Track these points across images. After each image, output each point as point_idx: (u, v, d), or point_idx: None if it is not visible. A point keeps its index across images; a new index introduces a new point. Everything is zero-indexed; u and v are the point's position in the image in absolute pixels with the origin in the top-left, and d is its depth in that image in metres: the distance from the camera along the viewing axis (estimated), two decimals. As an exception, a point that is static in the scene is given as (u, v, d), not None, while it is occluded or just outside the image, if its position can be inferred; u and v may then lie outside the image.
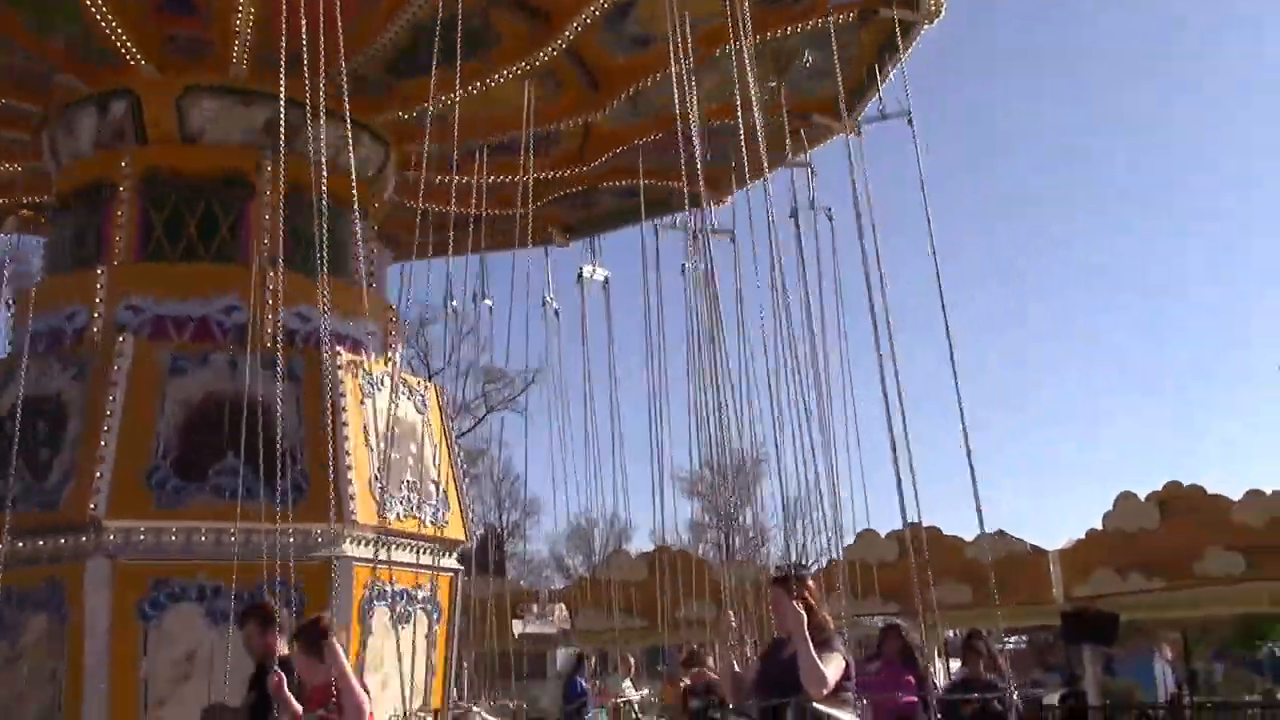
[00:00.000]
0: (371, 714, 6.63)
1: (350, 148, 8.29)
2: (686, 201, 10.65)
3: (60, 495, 8.92)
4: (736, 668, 6.88)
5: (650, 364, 10.88)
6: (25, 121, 11.30)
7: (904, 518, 8.65)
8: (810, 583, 6.61)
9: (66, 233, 10.86)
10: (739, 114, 9.13)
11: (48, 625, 8.72)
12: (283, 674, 6.75)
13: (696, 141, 8.89)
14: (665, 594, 16.40)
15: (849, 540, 19.13)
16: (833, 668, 6.09)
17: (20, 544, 8.81)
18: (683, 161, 8.83)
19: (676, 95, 9.03)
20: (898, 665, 9.98)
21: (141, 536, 8.87)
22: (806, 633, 6.02)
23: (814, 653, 5.98)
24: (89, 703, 8.58)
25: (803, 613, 6.12)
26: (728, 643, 7.16)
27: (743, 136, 8.99)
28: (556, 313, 13.37)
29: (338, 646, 6.48)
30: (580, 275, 12.58)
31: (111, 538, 8.83)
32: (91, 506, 8.79)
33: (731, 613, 7.73)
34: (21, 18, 9.94)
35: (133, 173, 10.40)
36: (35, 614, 8.74)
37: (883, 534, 17.84)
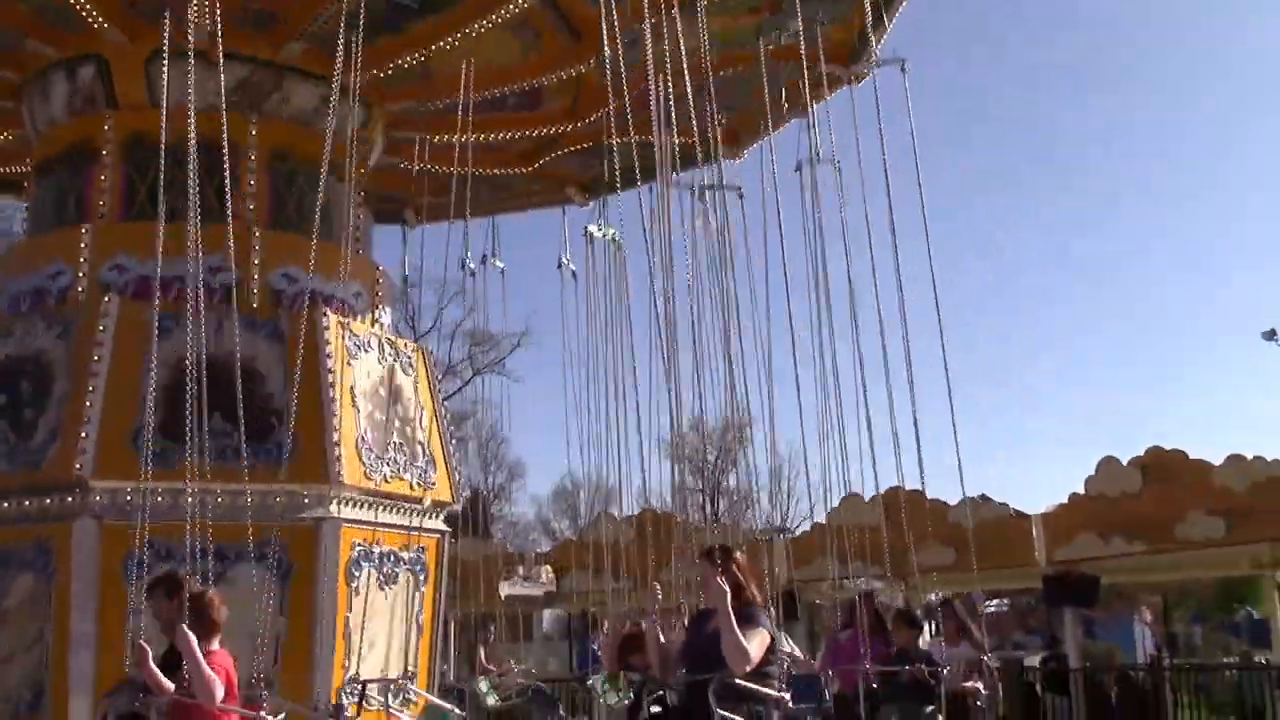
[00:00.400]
0: (233, 681, 6.81)
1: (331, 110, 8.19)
2: (668, 163, 10.50)
3: (45, 455, 8.90)
4: (662, 639, 6.84)
5: (655, 319, 10.79)
6: (7, 88, 11.18)
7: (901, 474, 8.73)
8: (739, 556, 6.57)
9: (48, 195, 10.77)
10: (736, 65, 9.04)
11: (34, 586, 8.72)
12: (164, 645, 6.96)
13: (711, 94, 8.79)
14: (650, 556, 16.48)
15: (834, 504, 19.24)
16: (756, 643, 6.04)
17: (5, 504, 8.80)
18: (689, 117, 8.77)
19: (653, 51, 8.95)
20: (868, 632, 10.00)
21: (128, 497, 8.85)
22: (729, 607, 5.97)
23: (737, 628, 5.94)
24: (76, 663, 8.59)
25: (726, 588, 6.06)
26: (652, 616, 7.08)
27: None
28: (574, 274, 13.25)
29: (189, 635, 6.68)
30: (587, 232, 12.43)
31: (98, 498, 8.82)
32: (77, 467, 8.77)
33: (658, 584, 7.74)
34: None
35: (112, 138, 10.30)
36: (21, 575, 8.74)
37: (867, 498, 17.93)
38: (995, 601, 43.69)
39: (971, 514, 18.93)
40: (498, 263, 12.16)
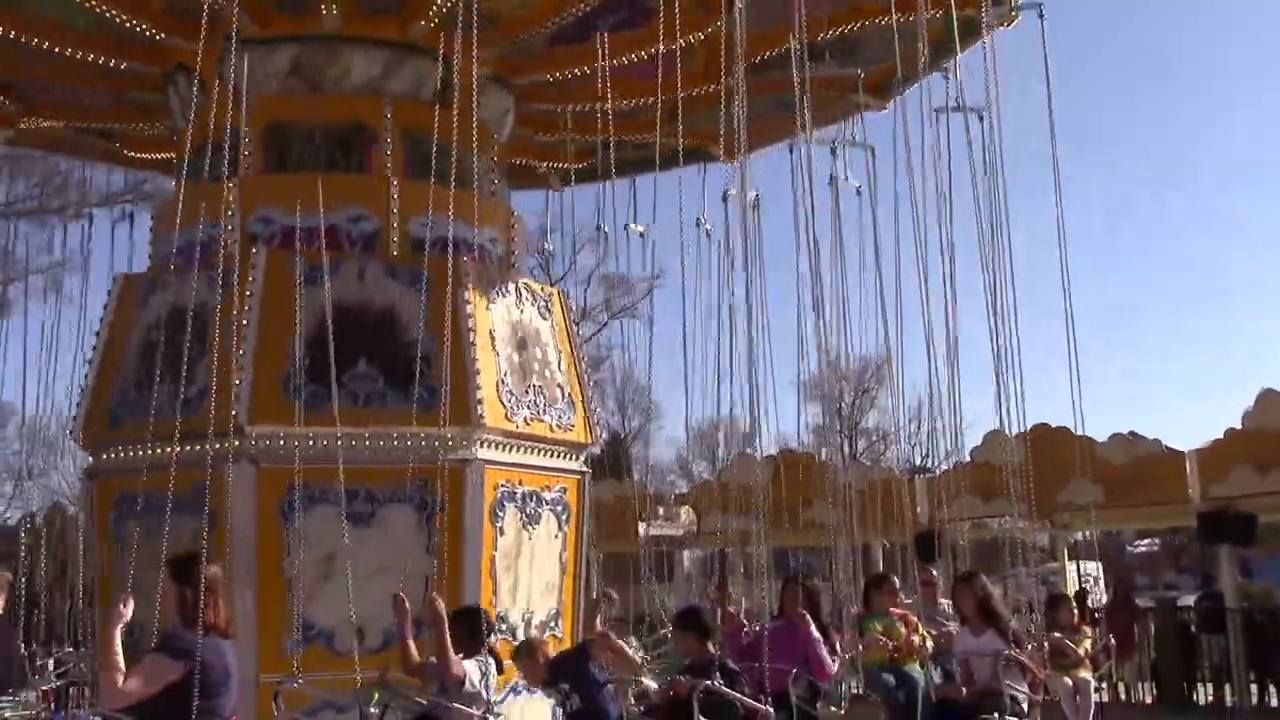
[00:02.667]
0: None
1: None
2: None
3: (203, 403, 9.23)
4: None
5: (797, 263, 10.66)
6: (150, 81, 11.49)
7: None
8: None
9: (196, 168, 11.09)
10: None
11: (196, 527, 9.06)
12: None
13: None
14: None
15: (977, 442, 18.90)
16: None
17: (166, 450, 9.16)
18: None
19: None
20: (795, 620, 8.89)
21: (281, 442, 9.15)
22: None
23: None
24: (239, 603, 8.94)
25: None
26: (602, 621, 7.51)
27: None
28: (708, 232, 13.15)
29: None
30: (725, 196, 12.32)
31: (253, 444, 9.14)
32: (233, 414, 9.09)
33: (612, 592, 7.81)
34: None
35: (256, 123, 10.52)
36: (183, 518, 9.10)
37: (1012, 435, 17.56)
38: (1146, 541, 42.64)
39: (1122, 451, 18.47)
40: (637, 229, 12.14)
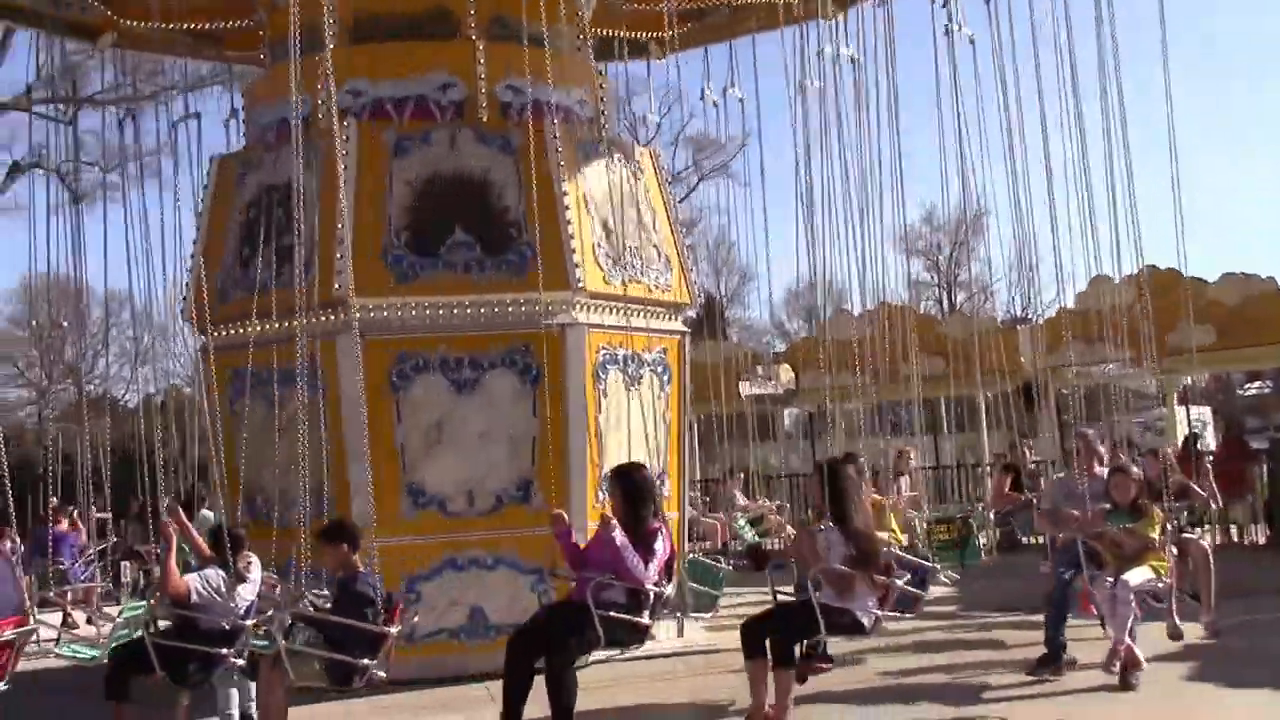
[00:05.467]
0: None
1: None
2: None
3: (306, 277, 9.33)
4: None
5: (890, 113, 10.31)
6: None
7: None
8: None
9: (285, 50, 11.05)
10: None
11: (309, 398, 9.28)
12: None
13: None
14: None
15: (1080, 286, 18.47)
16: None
17: (277, 325, 9.36)
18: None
19: None
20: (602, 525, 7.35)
21: (384, 313, 9.28)
22: None
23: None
24: (352, 470, 9.19)
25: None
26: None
27: None
28: (742, 100, 12.82)
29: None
30: (820, 52, 11.89)
31: (357, 315, 9.25)
32: (336, 287, 9.21)
33: (563, 512, 7.52)
34: None
35: (339, 17, 10.39)
36: (296, 388, 9.32)
37: (1116, 279, 17.14)
38: (1257, 383, 41.71)
39: (1234, 291, 17.96)
40: (737, 93, 11.83)
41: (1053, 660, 8.37)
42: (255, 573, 7.60)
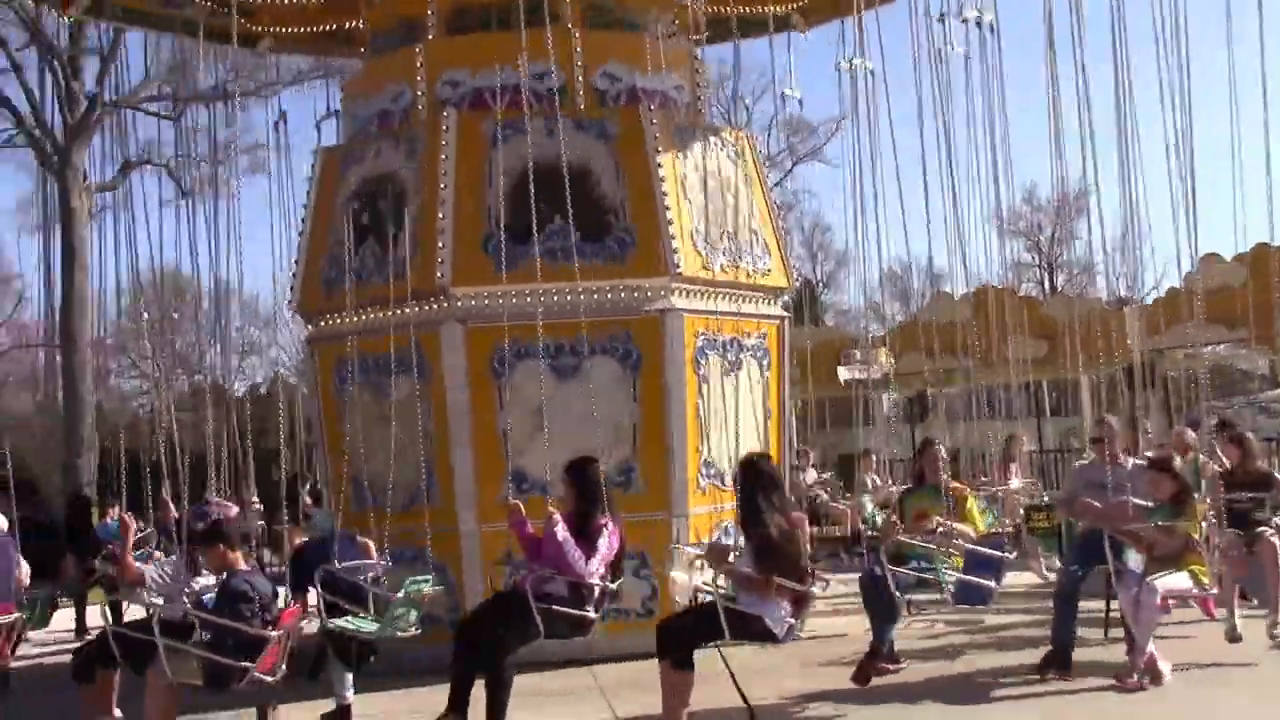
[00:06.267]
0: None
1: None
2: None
3: (409, 267, 9.51)
4: None
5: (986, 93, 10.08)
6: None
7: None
8: None
9: (383, 22, 11.21)
10: None
11: (413, 385, 9.45)
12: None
13: None
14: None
15: (1189, 266, 17.98)
16: None
17: (380, 314, 9.53)
18: None
19: None
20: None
21: (485, 301, 9.39)
22: None
23: None
24: (456, 456, 9.34)
25: None
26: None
27: None
28: (871, 71, 12.58)
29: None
30: (942, 17, 11.59)
31: (459, 303, 9.40)
32: (438, 276, 9.35)
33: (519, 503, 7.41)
34: None
35: (438, 8, 10.51)
36: (402, 376, 9.49)
37: (1228, 257, 16.69)
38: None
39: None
40: (867, 64, 11.64)
41: (1059, 660, 7.82)
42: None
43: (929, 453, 8.87)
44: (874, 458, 15.96)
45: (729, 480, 9.97)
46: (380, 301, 9.56)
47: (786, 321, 10.86)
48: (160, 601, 7.27)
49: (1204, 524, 7.87)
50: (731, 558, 7.09)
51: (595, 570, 7.01)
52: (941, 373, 17.96)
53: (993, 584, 7.69)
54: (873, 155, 9.54)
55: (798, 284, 12.29)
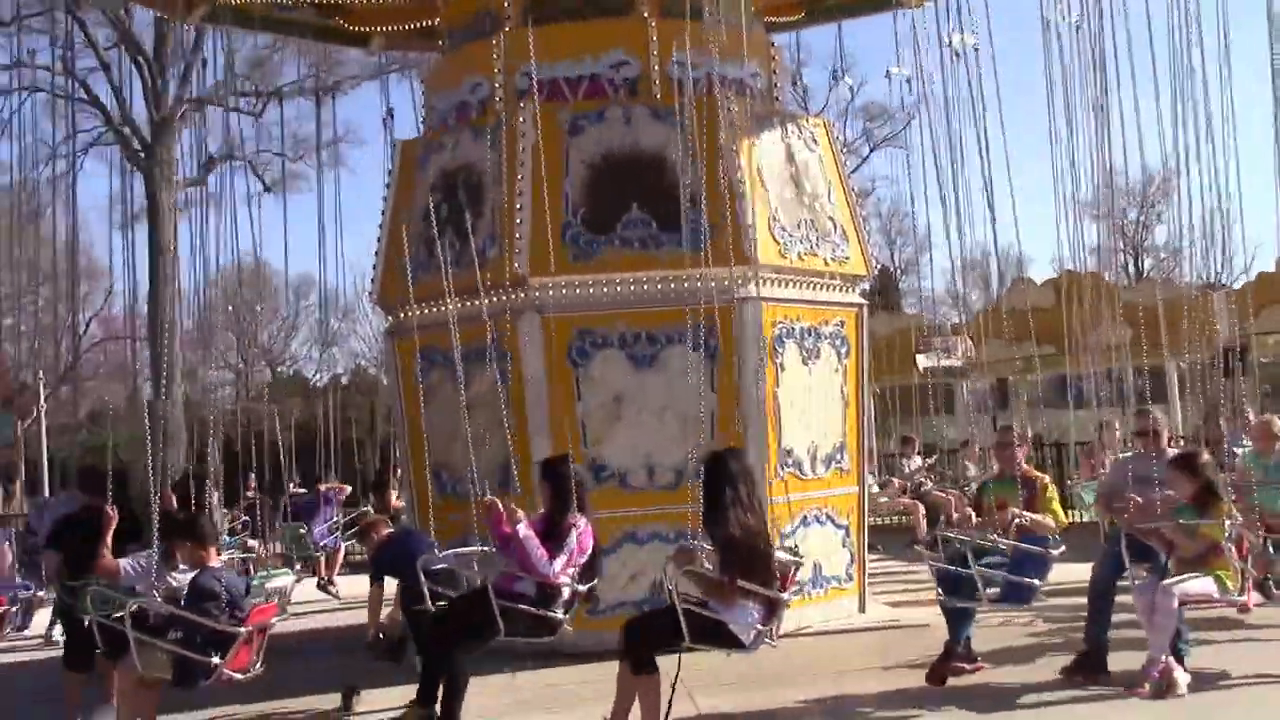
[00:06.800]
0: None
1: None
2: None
3: (487, 258, 9.57)
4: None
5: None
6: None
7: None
8: None
9: (460, 16, 11.27)
10: None
11: (492, 376, 9.50)
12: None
13: None
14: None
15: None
16: None
17: (460, 305, 9.60)
18: None
19: None
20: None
21: (563, 291, 9.42)
22: None
23: None
24: (535, 445, 9.38)
25: None
26: None
27: None
28: (976, 48, 12.39)
29: None
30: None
31: (537, 294, 9.44)
32: (516, 266, 9.39)
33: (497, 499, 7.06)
34: None
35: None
36: (480, 366, 9.56)
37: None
38: None
39: None
40: (970, 39, 11.45)
41: (1092, 663, 7.39)
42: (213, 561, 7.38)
43: (1002, 442, 8.63)
44: (976, 447, 15.76)
45: (808, 469, 9.94)
46: (459, 292, 9.63)
47: (865, 309, 10.77)
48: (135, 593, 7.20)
49: (1227, 523, 7.16)
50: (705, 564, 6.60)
51: (559, 570, 6.87)
52: (1022, 360, 17.71)
53: (1035, 580, 7.42)
54: (949, 139, 9.40)
55: (876, 271, 12.17)
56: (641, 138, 9.63)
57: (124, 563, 7.33)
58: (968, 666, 7.74)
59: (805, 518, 9.76)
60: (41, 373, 24.98)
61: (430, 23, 12.06)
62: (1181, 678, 6.89)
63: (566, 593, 7.00)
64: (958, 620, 7.68)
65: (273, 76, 28.02)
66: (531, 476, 9.40)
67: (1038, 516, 7.85)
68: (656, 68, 9.99)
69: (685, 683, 6.64)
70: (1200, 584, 7.00)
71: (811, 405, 9.98)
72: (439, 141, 10.46)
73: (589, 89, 9.89)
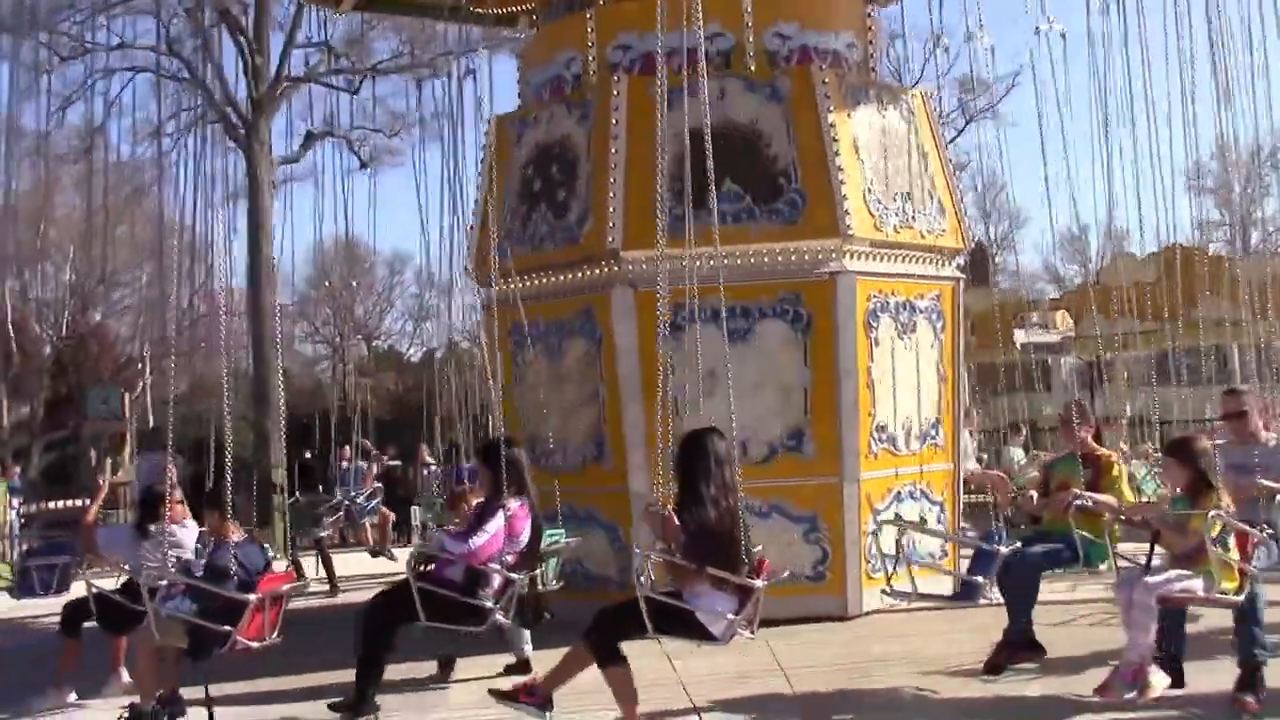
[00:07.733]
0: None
1: None
2: None
3: (581, 231, 9.62)
4: None
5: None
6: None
7: None
8: None
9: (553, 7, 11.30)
10: None
11: (585, 348, 9.57)
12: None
13: None
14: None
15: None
16: None
17: (554, 278, 9.67)
18: None
19: None
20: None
21: (656, 264, 9.40)
22: None
23: None
24: (627, 417, 9.42)
25: None
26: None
27: None
28: (1063, 35, 12.11)
29: None
30: None
31: (630, 267, 9.46)
32: (609, 240, 9.42)
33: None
34: None
35: None
36: (574, 339, 9.63)
37: None
38: None
39: None
40: (1058, 26, 11.16)
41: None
42: (186, 535, 7.54)
43: (1065, 418, 8.02)
44: (1025, 432, 15.51)
45: (902, 444, 9.85)
46: (553, 266, 9.69)
47: (961, 283, 10.62)
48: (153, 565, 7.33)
49: (1212, 515, 6.24)
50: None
51: (474, 548, 6.80)
52: (1122, 336, 17.34)
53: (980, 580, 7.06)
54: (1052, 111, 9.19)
55: (972, 244, 11.99)
56: (735, 111, 9.57)
57: (102, 531, 7.54)
58: (1024, 655, 7.32)
59: (899, 494, 9.68)
60: (148, 344, 25.66)
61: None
62: (1158, 679, 6.03)
63: (497, 580, 6.89)
64: (1018, 608, 7.30)
65: (366, 55, 28.30)
66: (624, 449, 9.48)
67: (1101, 497, 7.43)
68: (751, 39, 9.91)
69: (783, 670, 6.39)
70: (1189, 581, 6.26)
71: (906, 381, 9.87)
72: (534, 116, 10.51)
73: (682, 61, 9.86)
